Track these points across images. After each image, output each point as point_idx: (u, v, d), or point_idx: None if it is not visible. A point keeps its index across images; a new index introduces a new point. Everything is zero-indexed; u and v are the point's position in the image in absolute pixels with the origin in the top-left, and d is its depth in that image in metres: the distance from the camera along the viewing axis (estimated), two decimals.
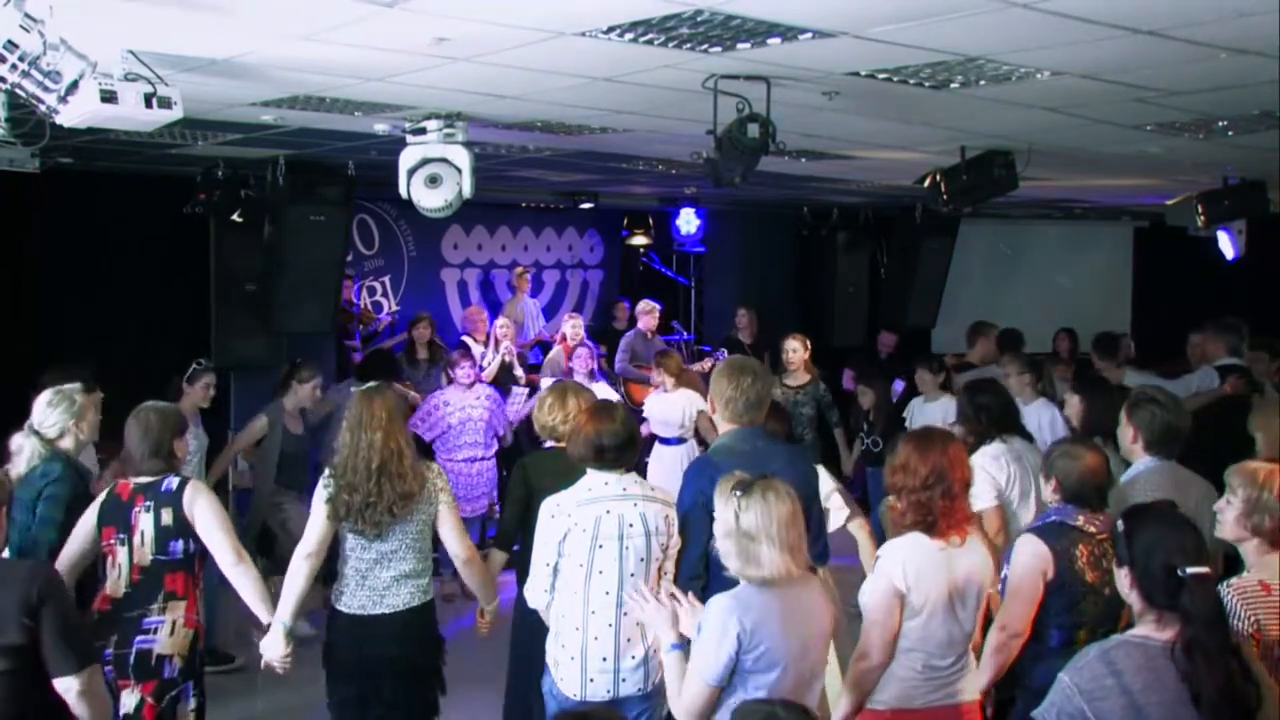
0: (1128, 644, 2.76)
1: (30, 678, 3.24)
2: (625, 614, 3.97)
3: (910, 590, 3.52)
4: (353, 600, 4.37)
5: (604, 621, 3.97)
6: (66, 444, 4.66)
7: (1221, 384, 6.73)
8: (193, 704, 4.31)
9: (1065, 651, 3.79)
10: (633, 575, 3.96)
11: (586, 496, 4.00)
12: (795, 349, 8.30)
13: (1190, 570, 2.70)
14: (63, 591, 3.31)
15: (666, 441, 7.92)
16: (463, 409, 7.97)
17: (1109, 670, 2.71)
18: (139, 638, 4.20)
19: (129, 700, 4.19)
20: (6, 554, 4.37)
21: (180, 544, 4.28)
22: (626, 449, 4.05)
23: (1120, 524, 2.89)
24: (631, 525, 3.97)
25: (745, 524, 3.19)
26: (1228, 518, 3.57)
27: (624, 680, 3.99)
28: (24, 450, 4.61)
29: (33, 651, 3.22)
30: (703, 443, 8.05)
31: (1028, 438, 5.31)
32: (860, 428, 8.28)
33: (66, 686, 3.23)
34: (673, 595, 3.53)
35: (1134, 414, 4.45)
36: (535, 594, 4.07)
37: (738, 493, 3.23)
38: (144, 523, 4.26)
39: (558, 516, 3.98)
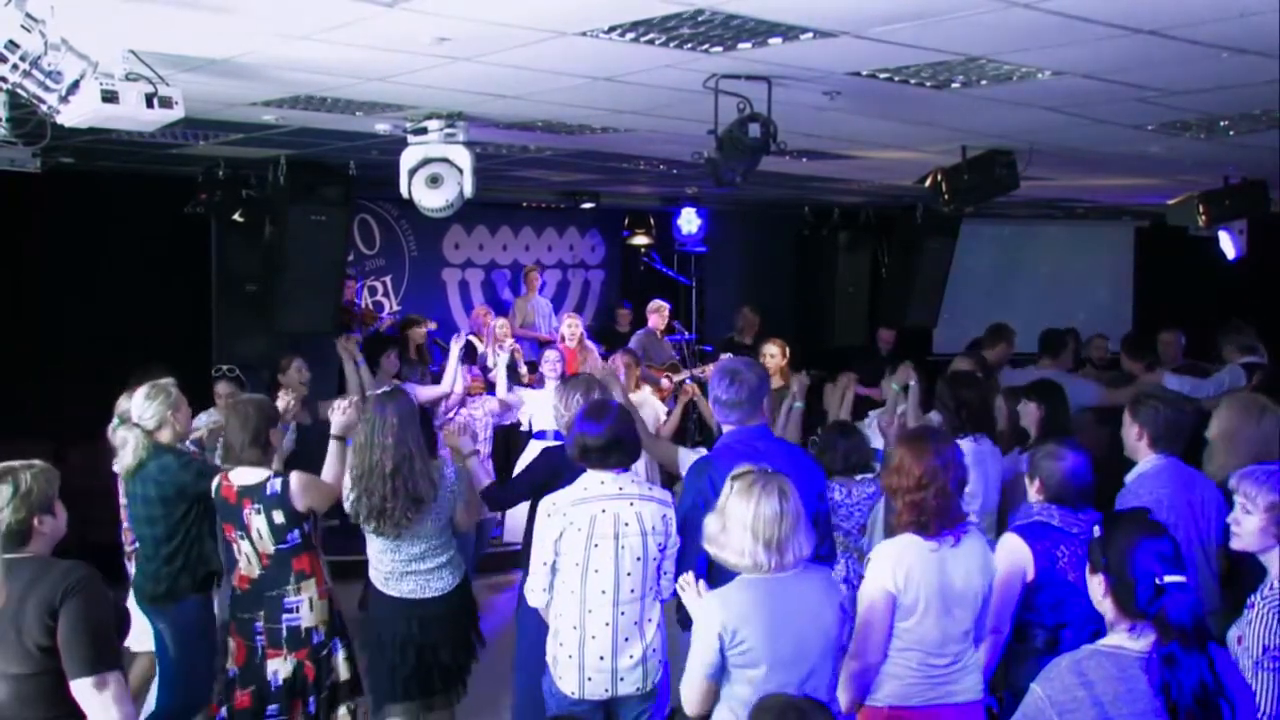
0: (1099, 654, 2.71)
1: (62, 681, 3.17)
2: (622, 613, 3.98)
3: (902, 591, 3.55)
4: (402, 585, 4.67)
5: (601, 621, 3.98)
6: (165, 435, 4.91)
7: (1249, 380, 6.75)
8: (342, 654, 4.73)
9: (1050, 651, 3.80)
10: (629, 574, 3.98)
11: (582, 495, 4.01)
12: (773, 354, 8.16)
13: (1169, 579, 2.65)
14: (93, 592, 3.23)
15: None
16: (465, 411, 7.96)
17: (1080, 681, 2.66)
18: (285, 616, 4.64)
19: (283, 666, 4.63)
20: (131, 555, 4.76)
21: (296, 532, 4.64)
22: (612, 450, 4.05)
23: (1097, 530, 2.84)
24: (627, 524, 3.97)
25: (727, 507, 3.30)
26: (1248, 528, 3.37)
27: (622, 680, 4.00)
28: (128, 443, 4.86)
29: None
30: None
31: (995, 439, 5.36)
32: (814, 428, 7.67)
33: (80, 689, 3.15)
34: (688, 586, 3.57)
35: (1138, 413, 4.45)
36: (533, 593, 4.09)
37: (735, 478, 3.34)
38: (257, 523, 4.62)
39: (553, 515, 3.99)
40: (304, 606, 4.64)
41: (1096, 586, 2.78)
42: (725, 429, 4.28)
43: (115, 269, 8.69)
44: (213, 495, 4.75)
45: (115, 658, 3.25)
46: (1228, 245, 9.11)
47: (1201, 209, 8.30)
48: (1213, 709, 2.61)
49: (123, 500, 4.89)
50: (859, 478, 5.14)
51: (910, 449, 3.70)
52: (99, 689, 3.14)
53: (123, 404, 5.19)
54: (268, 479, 4.64)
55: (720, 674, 3.27)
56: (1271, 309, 8.87)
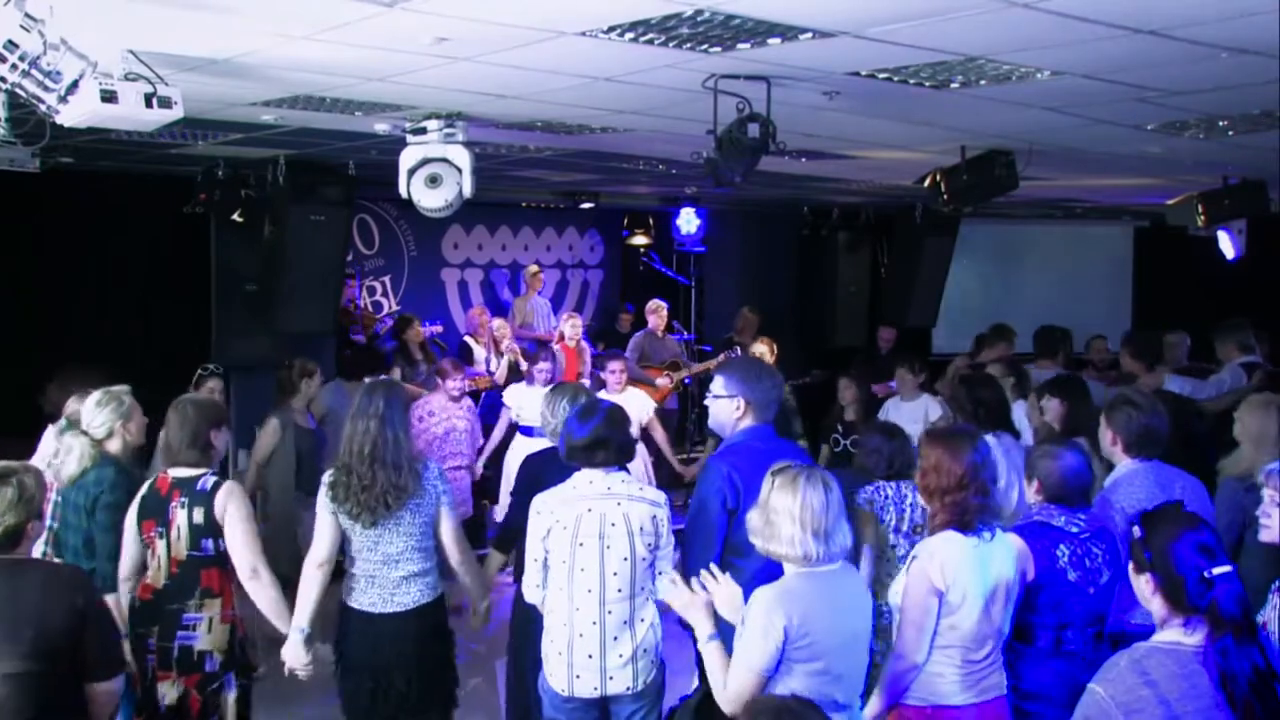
0: (1158, 652, 2.68)
1: (63, 680, 3.28)
2: (610, 612, 4.00)
3: (949, 588, 3.53)
4: (363, 598, 4.41)
5: (588, 619, 3.99)
6: (114, 446, 4.70)
7: (1249, 381, 6.77)
8: (234, 692, 4.37)
9: (1053, 652, 3.81)
10: (615, 574, 3.99)
11: (572, 494, 4.04)
12: (762, 353, 8.16)
13: (1216, 571, 2.63)
14: (101, 597, 3.45)
15: None
16: (448, 419, 7.96)
17: (1143, 680, 2.62)
18: (180, 633, 4.29)
19: (170, 691, 4.27)
20: (48, 557, 4.50)
21: (211, 542, 4.34)
22: (597, 448, 4.05)
23: (1136, 530, 2.80)
24: (614, 524, 3.99)
25: (770, 500, 3.26)
26: (1278, 520, 3.45)
27: (611, 679, 4.01)
28: (74, 450, 4.62)
29: (70, 655, 3.26)
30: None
31: (1015, 435, 5.47)
32: (835, 427, 7.58)
33: (108, 689, 3.34)
34: (710, 578, 3.46)
35: (1111, 417, 4.45)
36: (529, 589, 4.13)
37: (776, 472, 3.30)
38: (179, 518, 4.32)
39: (542, 513, 4.03)
40: (202, 626, 4.30)
41: (1144, 585, 2.74)
42: (741, 427, 4.19)
43: (115, 269, 8.69)
44: (145, 491, 4.43)
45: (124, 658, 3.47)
46: (1227, 245, 9.10)
47: (1201, 209, 8.29)
48: (1269, 694, 2.60)
49: (54, 498, 4.49)
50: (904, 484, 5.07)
51: (947, 449, 3.68)
52: (120, 687, 3.42)
53: (71, 405, 4.87)
54: (202, 475, 4.38)
55: (776, 669, 3.18)
56: (1271, 309, 8.86)
